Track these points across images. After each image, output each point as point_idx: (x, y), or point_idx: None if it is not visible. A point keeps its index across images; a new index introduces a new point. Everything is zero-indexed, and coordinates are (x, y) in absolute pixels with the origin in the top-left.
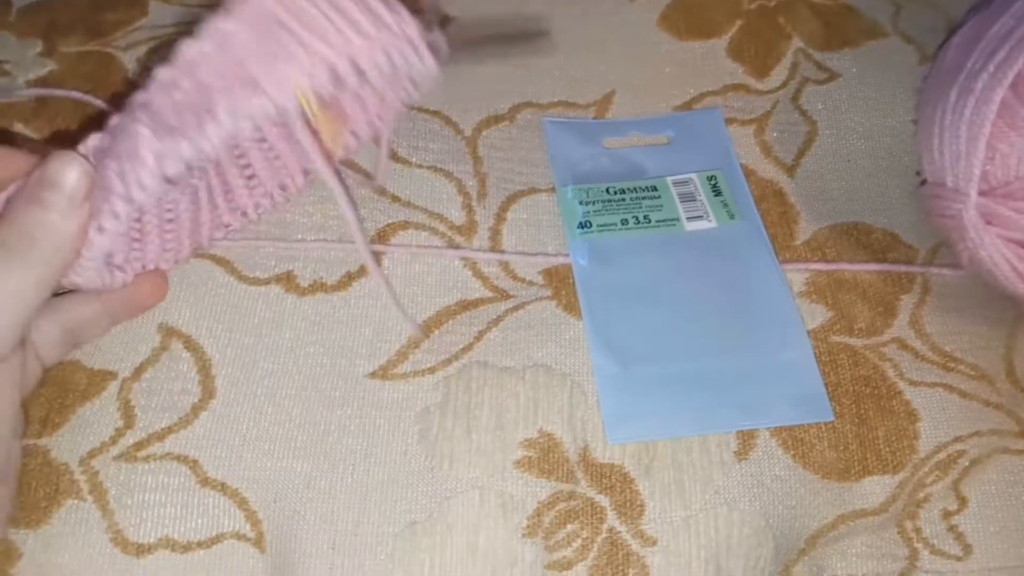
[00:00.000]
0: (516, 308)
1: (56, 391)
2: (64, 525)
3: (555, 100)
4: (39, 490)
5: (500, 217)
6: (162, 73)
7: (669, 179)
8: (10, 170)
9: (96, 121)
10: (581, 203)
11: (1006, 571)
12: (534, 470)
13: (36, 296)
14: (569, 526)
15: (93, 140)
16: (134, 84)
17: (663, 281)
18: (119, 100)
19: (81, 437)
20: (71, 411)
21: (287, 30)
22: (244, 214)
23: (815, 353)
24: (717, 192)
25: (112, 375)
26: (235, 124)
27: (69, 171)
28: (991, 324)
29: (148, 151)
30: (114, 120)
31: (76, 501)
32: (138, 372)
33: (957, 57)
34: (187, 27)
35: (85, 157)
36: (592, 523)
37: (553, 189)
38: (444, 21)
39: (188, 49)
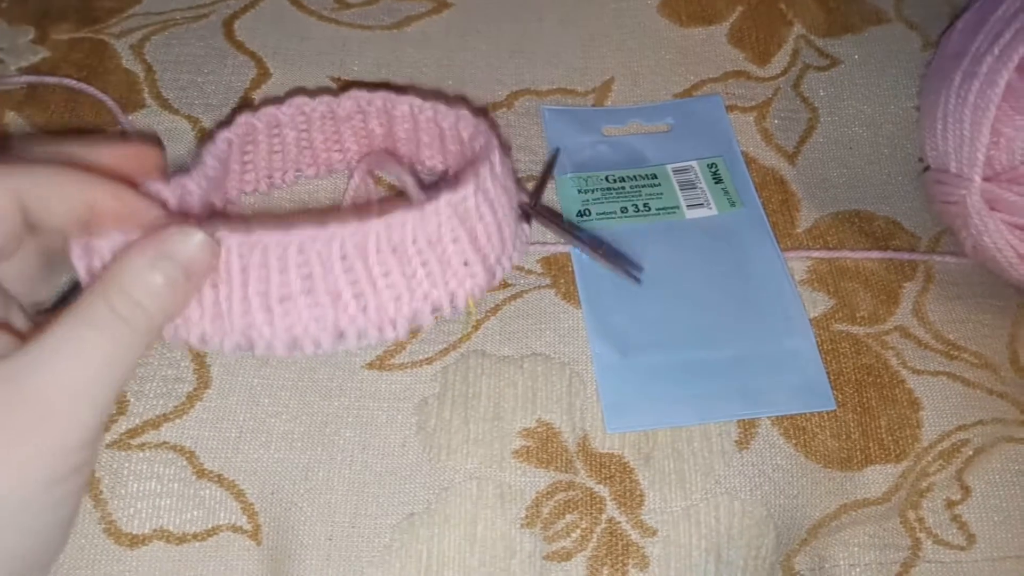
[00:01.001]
0: (514, 297)
1: None
2: None
3: (553, 87)
4: None
5: None
6: (339, 238)
7: (669, 167)
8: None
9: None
10: (580, 191)
11: (1010, 561)
12: (533, 460)
13: (125, 372)
14: (568, 516)
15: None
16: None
17: (663, 269)
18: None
19: None
20: None
21: (473, 235)
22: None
23: (817, 341)
24: (718, 179)
25: None
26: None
27: (195, 247)
28: (995, 312)
29: (309, 320)
30: (272, 237)
31: None
32: None
33: (961, 42)
34: (181, 12)
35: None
36: (591, 513)
37: (552, 177)
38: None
39: (372, 230)
